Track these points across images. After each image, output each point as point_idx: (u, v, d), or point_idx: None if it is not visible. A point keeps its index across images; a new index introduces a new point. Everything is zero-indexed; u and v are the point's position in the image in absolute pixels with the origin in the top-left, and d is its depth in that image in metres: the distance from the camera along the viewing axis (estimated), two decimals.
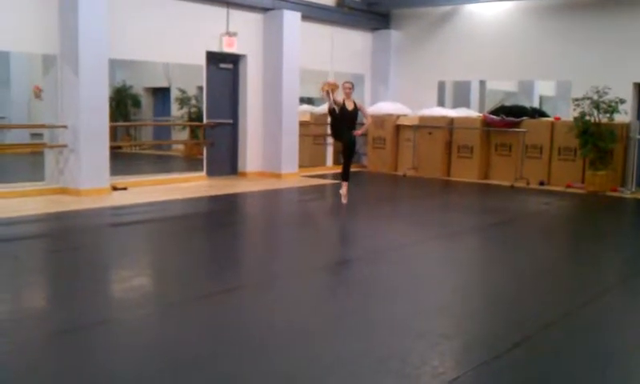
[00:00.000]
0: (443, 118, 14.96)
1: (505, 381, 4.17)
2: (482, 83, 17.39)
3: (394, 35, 16.55)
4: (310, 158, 15.42)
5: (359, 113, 10.67)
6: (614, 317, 5.53)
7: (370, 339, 4.68)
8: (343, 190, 10.56)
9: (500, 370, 4.27)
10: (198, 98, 14.05)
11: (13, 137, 13.05)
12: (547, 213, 10.90)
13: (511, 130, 14.07)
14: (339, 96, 10.35)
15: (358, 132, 10.67)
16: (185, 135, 15.31)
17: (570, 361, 4.42)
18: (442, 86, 16.71)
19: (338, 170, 15.03)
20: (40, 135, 11.95)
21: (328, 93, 10.16)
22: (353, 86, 10.60)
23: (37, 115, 13.68)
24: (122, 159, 13.83)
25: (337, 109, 10.24)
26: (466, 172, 14.54)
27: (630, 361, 4.60)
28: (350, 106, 10.36)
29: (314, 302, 5.80)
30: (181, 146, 15.79)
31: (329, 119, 10.85)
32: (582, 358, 4.51)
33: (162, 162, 15.55)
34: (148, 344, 4.65)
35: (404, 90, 16.45)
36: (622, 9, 13.36)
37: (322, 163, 15.63)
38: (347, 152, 10.65)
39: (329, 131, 10.81)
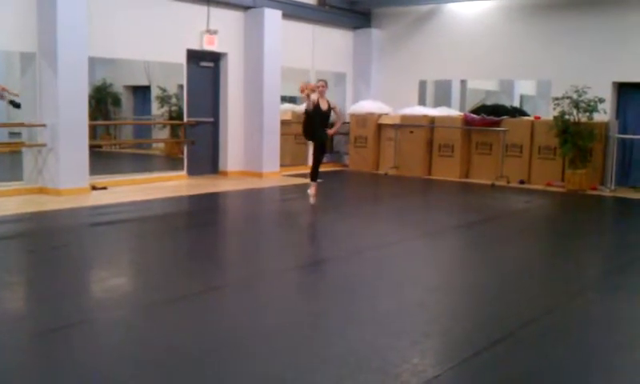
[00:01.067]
0: (424, 117, 15.00)
1: (486, 378, 4.18)
2: (463, 82, 17.48)
3: (376, 34, 16.57)
4: (291, 157, 15.41)
5: (332, 112, 10.47)
6: (596, 313, 5.57)
7: (351, 338, 4.67)
8: (312, 191, 10.34)
9: (481, 367, 4.28)
10: (179, 97, 13.97)
11: None
12: (528, 211, 10.96)
13: (492, 128, 14.14)
14: (314, 95, 10.15)
15: (331, 131, 10.57)
16: (165, 134, 15.23)
17: (552, 357, 4.44)
18: (423, 85, 16.75)
19: (319, 169, 15.02)
20: (18, 134, 11.84)
21: (308, 95, 10.02)
22: (326, 84, 10.42)
23: (15, 114, 13.54)
24: (102, 158, 13.73)
25: (311, 108, 10.07)
26: (447, 171, 14.59)
27: (612, 356, 4.62)
28: (323, 106, 10.14)
29: (295, 302, 5.79)
30: (161, 145, 15.71)
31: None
32: (564, 354, 4.53)
33: (142, 161, 15.44)
34: (129, 345, 4.61)
35: (385, 88, 16.47)
36: (602, 9, 13.46)
37: (304, 162, 15.59)
38: (319, 151, 10.45)
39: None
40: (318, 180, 10.47)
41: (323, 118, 10.27)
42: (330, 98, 10.76)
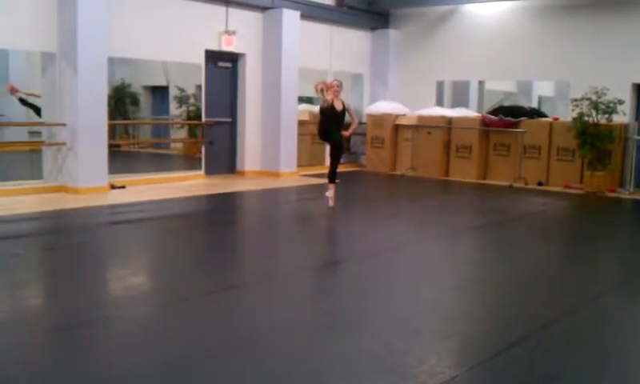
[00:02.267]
0: (442, 117, 14.96)
1: (502, 380, 4.17)
2: (481, 83, 17.40)
3: (393, 35, 16.55)
4: (308, 157, 15.42)
5: (347, 113, 10.24)
6: (614, 316, 5.53)
7: (367, 338, 4.68)
8: (330, 193, 10.19)
9: (498, 369, 4.27)
10: (197, 97, 14.04)
11: (11, 135, 13.03)
12: (545, 213, 10.90)
13: (510, 130, 14.07)
14: (329, 96, 9.95)
15: (346, 133, 10.37)
16: (183, 134, 15.31)
17: (569, 360, 4.42)
18: (440, 86, 16.72)
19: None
20: (38, 133, 11.94)
21: (322, 90, 9.88)
22: (341, 84, 10.25)
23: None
24: (121, 157, 13.80)
25: (325, 107, 9.92)
26: (465, 172, 14.54)
27: (629, 360, 4.60)
28: (338, 106, 9.96)
29: (311, 301, 5.81)
30: (179, 145, 15.78)
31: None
32: (581, 357, 4.51)
33: (160, 161, 15.53)
34: (145, 342, 4.64)
35: (403, 89, 16.45)
36: (621, 9, 13.35)
37: (321, 162, 15.60)
38: (335, 153, 10.27)
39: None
40: (337, 181, 10.38)
41: (338, 118, 10.08)
42: (347, 98, 10.69)
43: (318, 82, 10.22)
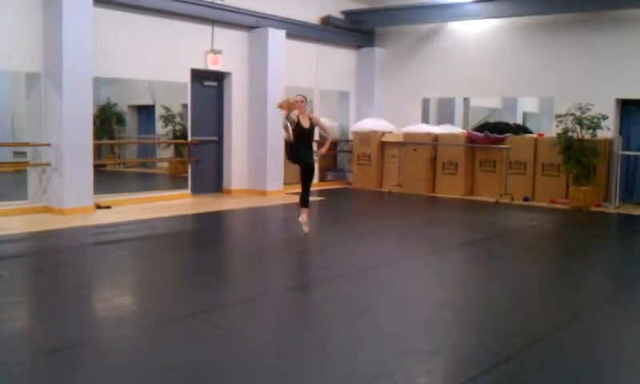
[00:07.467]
0: (428, 134, 15.02)
1: None
2: (466, 100, 17.51)
3: (379, 53, 16.64)
4: (295, 175, 15.37)
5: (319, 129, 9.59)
6: (601, 331, 5.53)
7: (356, 357, 4.65)
8: (303, 218, 9.41)
9: None
10: (183, 116, 14.02)
11: None
12: (532, 228, 10.94)
13: (495, 146, 14.14)
14: (293, 113, 9.12)
15: (322, 150, 9.74)
16: (169, 153, 15.27)
17: (558, 376, 4.41)
18: (426, 103, 16.80)
19: (323, 187, 15.00)
20: (23, 154, 11.87)
21: (288, 110, 9.08)
22: (305, 99, 9.29)
23: (20, 133, 13.61)
24: (106, 177, 13.75)
25: (290, 127, 9.06)
26: (451, 188, 14.58)
27: (617, 375, 4.59)
28: (305, 123, 9.13)
29: (299, 321, 5.77)
30: (165, 164, 15.75)
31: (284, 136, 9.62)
32: (570, 372, 4.51)
33: (146, 180, 15.48)
34: (131, 364, 4.59)
35: (388, 106, 16.52)
36: (604, 26, 13.50)
37: None
38: (307, 175, 9.46)
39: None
40: (302, 218, 9.48)
41: (306, 137, 9.29)
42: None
43: (282, 101, 9.32)
